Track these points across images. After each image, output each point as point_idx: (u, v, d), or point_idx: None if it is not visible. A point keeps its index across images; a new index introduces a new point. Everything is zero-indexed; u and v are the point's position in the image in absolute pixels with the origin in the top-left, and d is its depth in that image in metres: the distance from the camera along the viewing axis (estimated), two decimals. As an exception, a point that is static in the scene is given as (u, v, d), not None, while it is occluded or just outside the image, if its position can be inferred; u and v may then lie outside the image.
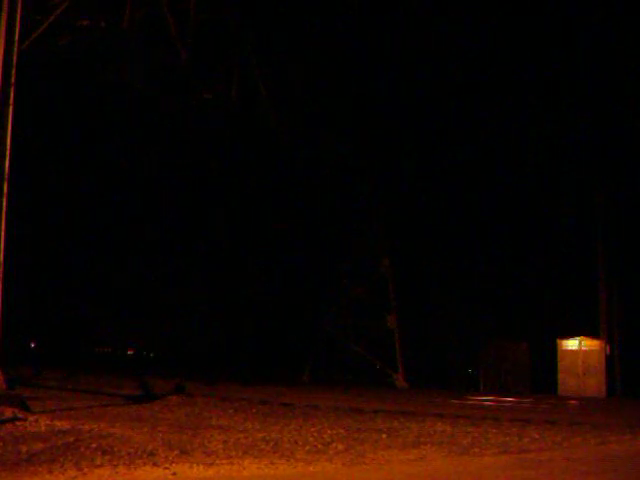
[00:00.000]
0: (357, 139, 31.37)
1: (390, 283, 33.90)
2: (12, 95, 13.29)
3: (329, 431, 12.38)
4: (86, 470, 7.97)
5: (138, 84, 23.64)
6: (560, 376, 28.75)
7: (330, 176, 32.48)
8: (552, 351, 29.02)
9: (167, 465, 8.39)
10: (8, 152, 13.22)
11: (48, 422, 11.37)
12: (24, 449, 9.11)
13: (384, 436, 11.99)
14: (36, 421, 11.43)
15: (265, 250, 35.57)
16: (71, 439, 9.94)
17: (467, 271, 32.93)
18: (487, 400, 24.18)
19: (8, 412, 11.67)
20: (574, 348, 28.84)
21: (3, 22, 13.22)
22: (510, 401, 24.10)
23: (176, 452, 9.30)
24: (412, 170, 32.15)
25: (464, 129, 30.14)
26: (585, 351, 28.66)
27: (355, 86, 29.23)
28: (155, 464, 8.44)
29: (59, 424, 11.21)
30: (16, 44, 13.39)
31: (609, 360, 28.39)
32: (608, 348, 28.51)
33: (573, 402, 24.69)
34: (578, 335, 28.86)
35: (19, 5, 13.40)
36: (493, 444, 11.32)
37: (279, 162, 31.16)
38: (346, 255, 34.51)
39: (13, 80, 13.32)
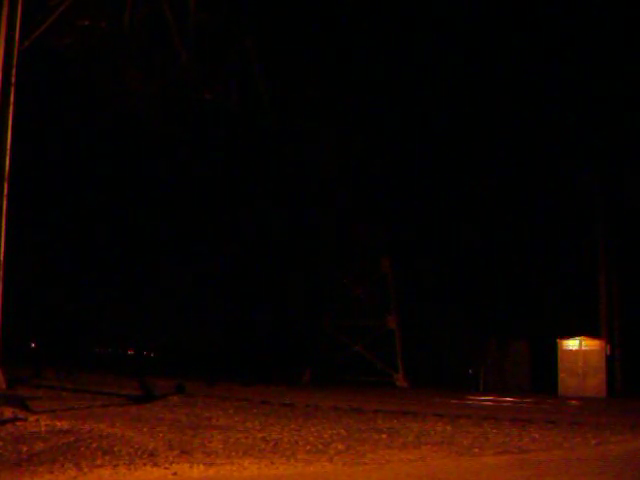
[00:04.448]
0: (358, 138, 31.36)
1: (390, 283, 33.91)
2: (12, 95, 13.29)
3: (329, 431, 12.38)
4: (86, 470, 7.98)
5: (138, 85, 23.65)
6: (560, 376, 28.73)
7: (330, 176, 32.48)
8: (552, 351, 29.00)
9: (167, 465, 8.40)
10: (8, 152, 13.22)
11: (48, 422, 11.37)
12: (24, 449, 9.12)
13: (384, 436, 12.00)
14: (36, 421, 11.43)
15: (265, 250, 35.56)
16: (71, 439, 9.94)
17: (467, 271, 32.93)
18: (487, 400, 24.18)
19: (8, 412, 11.68)
20: (574, 348, 28.82)
21: (3, 22, 13.22)
22: (510, 401, 24.09)
23: (176, 452, 9.31)
24: (412, 170, 32.13)
25: (465, 129, 30.12)
26: (585, 351, 28.64)
27: (357, 86, 29.21)
28: (155, 464, 8.45)
29: (59, 424, 11.22)
30: (16, 44, 13.39)
31: (609, 360, 28.37)
32: (608, 348, 28.50)
33: (573, 402, 24.69)
34: (578, 335, 28.83)
35: (19, 5, 13.39)
36: (493, 444, 11.32)
37: (279, 162, 31.15)
38: (346, 255, 34.50)
39: (13, 80, 13.32)
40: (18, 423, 11.09)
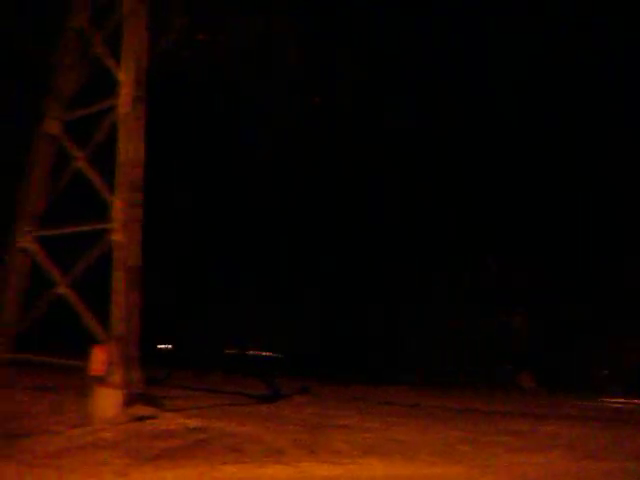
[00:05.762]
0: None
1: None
2: (143, 110, 13.78)
3: (454, 432, 12.27)
4: (216, 466, 8.30)
5: None
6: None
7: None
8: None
9: (295, 464, 8.59)
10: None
11: (180, 420, 11.84)
12: (160, 445, 9.57)
13: (511, 438, 11.78)
14: (169, 419, 11.93)
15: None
16: (202, 437, 10.33)
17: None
18: (621, 403, 23.25)
19: (145, 411, 12.25)
20: None
21: (130, 42, 13.79)
22: (644, 404, 23.07)
23: (303, 451, 9.48)
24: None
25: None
26: None
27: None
28: (283, 462, 8.66)
29: (190, 422, 11.65)
30: (145, 61, 13.94)
31: None
32: None
33: None
34: None
35: (144, 25, 13.86)
36: (626, 448, 10.91)
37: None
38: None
39: (142, 94, 13.86)
40: (154, 421, 11.62)
